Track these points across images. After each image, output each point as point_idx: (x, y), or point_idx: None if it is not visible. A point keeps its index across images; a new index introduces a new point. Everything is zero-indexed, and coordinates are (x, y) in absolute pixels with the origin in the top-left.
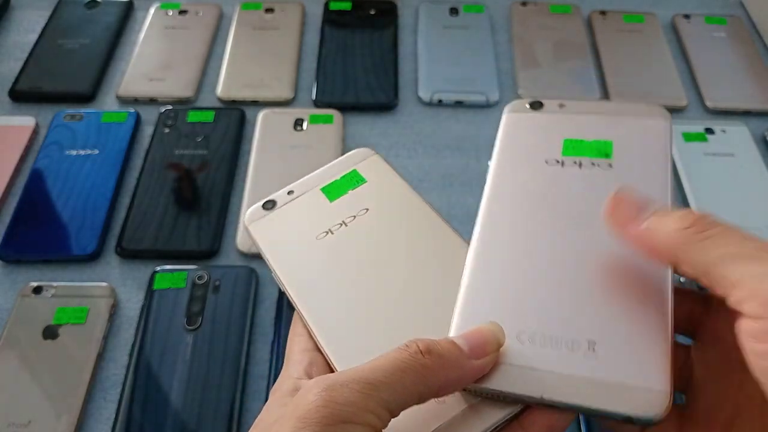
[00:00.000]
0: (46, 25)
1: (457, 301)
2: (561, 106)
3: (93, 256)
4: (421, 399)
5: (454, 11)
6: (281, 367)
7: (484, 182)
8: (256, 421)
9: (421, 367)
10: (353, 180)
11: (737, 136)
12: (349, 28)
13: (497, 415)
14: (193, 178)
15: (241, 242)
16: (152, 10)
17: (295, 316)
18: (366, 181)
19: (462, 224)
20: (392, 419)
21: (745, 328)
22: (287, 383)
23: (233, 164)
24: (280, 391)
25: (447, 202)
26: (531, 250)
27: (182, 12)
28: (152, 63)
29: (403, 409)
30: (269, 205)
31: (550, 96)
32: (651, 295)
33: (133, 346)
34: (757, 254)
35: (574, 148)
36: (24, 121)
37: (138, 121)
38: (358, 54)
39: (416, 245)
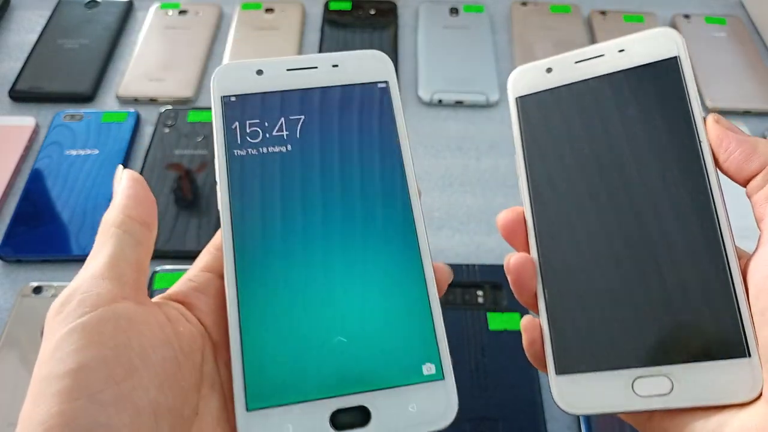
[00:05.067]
0: (46, 25)
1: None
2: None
3: None
4: None
5: (454, 11)
6: None
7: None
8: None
9: None
10: None
11: None
12: (349, 28)
13: None
14: (193, 178)
15: None
16: (152, 10)
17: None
18: None
19: (462, 224)
20: None
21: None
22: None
23: None
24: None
25: (447, 202)
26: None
27: (182, 12)
28: (152, 63)
29: None
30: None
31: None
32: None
33: None
34: None
35: None
36: (24, 121)
37: (138, 121)
38: None
39: None
